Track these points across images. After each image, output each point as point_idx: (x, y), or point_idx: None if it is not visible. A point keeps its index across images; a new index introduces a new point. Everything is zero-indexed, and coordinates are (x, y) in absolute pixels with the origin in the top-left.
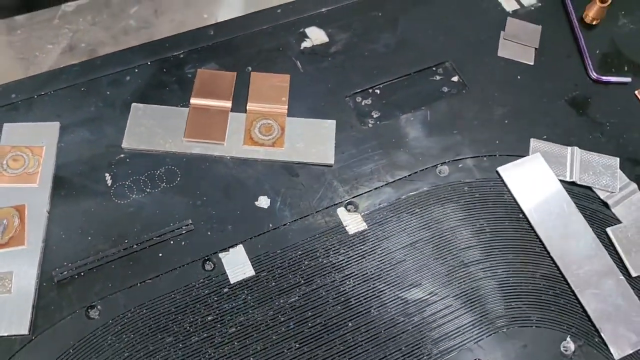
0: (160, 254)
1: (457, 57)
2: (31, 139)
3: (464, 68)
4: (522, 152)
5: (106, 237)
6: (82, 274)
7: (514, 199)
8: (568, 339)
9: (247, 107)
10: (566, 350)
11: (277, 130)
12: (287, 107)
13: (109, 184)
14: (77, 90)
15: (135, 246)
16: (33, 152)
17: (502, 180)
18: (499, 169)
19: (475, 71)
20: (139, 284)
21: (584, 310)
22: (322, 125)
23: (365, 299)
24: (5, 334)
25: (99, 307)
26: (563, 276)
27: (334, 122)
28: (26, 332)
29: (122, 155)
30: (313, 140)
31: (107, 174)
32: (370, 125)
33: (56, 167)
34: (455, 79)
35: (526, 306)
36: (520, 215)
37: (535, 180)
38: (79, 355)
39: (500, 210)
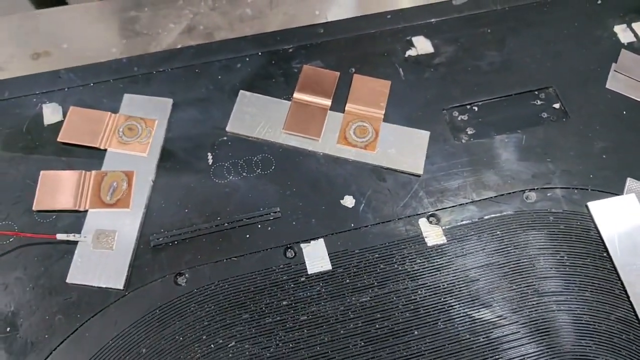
0: (248, 235)
1: (562, 84)
2: (146, 111)
3: (567, 96)
4: (616, 190)
5: (201, 212)
6: (176, 242)
7: (600, 236)
8: None
9: (346, 108)
10: None
11: (371, 134)
12: (384, 112)
13: (210, 163)
14: (191, 71)
15: (226, 224)
16: (146, 124)
17: (591, 216)
18: (590, 203)
19: (580, 101)
20: (225, 260)
21: None
22: (416, 135)
23: (434, 310)
24: (103, 286)
25: (187, 275)
26: (639, 322)
27: (428, 133)
28: (121, 287)
29: (224, 138)
30: (405, 148)
31: (209, 154)
32: (463, 141)
33: (165, 140)
34: (557, 105)
35: (596, 346)
36: (604, 254)
37: (625, 222)
38: (164, 316)
39: (584, 246)
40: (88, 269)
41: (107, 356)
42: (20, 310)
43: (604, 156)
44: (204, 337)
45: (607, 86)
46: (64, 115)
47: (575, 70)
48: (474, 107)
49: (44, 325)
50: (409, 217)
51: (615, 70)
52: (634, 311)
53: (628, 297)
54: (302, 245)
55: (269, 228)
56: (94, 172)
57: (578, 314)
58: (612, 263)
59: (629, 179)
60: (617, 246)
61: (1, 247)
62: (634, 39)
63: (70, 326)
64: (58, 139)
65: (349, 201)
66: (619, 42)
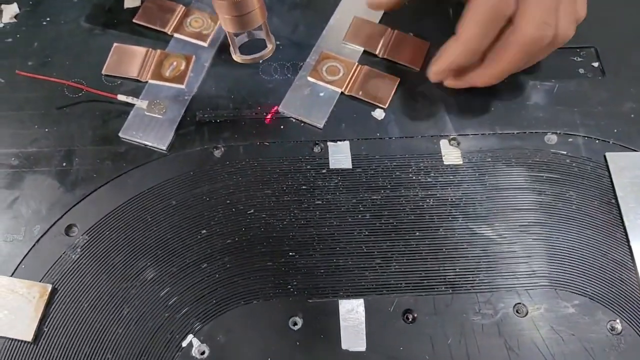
0: (282, 127)
1: (605, 45)
2: (213, 9)
3: (607, 57)
4: (637, 147)
5: (244, 100)
6: (218, 121)
7: (611, 184)
8: (618, 320)
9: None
10: (612, 330)
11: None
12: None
13: (260, 61)
14: None
15: (265, 114)
16: (212, 20)
17: (607, 165)
18: (608, 154)
19: (619, 63)
20: (258, 143)
21: None
22: None
23: (438, 219)
24: (149, 144)
25: (222, 149)
26: (635, 267)
27: None
28: (164, 148)
29: (277, 42)
30: None
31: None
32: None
33: (224, 36)
34: (595, 64)
35: (587, 278)
36: (612, 201)
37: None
38: (197, 179)
39: (594, 190)
40: (139, 128)
41: (143, 200)
42: (76, 151)
43: (632, 116)
44: (228, 201)
45: None
46: (142, 2)
47: (620, 34)
48: None
49: (94, 167)
50: (432, 136)
51: None
52: (632, 255)
53: (628, 241)
54: (329, 143)
55: (302, 125)
56: (159, 50)
57: (576, 248)
58: (619, 210)
59: None
60: (627, 195)
61: (72, 99)
62: None
63: (115, 172)
64: (133, 20)
65: (378, 114)
66: None
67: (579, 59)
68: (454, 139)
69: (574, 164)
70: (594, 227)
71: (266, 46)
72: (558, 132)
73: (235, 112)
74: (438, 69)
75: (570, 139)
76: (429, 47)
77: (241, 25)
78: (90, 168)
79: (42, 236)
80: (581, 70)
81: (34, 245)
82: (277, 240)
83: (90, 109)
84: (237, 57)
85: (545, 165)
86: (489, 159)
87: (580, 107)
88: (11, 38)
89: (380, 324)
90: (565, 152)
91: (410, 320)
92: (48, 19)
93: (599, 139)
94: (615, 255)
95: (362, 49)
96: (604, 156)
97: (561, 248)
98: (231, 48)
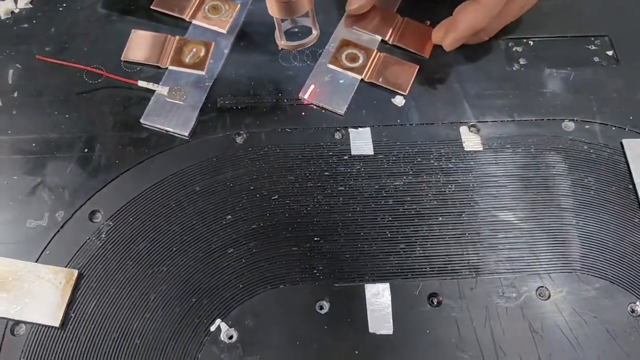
0: (303, 113)
1: (620, 34)
2: None
3: (622, 46)
4: None
5: (264, 87)
6: (239, 107)
7: (628, 170)
8: (638, 303)
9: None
10: (633, 312)
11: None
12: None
13: (280, 48)
14: None
15: (285, 100)
16: (229, 6)
17: (624, 152)
18: (624, 140)
19: (634, 52)
20: (280, 130)
21: None
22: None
23: (460, 204)
24: (171, 130)
25: (244, 135)
26: None
27: None
28: (186, 135)
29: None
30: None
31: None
32: (514, 68)
33: (243, 23)
34: (610, 53)
35: (607, 262)
36: (630, 187)
37: None
38: (220, 165)
39: (611, 176)
40: (160, 114)
41: (166, 186)
42: (98, 137)
43: None
44: (252, 187)
45: None
46: None
47: (635, 23)
48: (529, 42)
49: (116, 153)
50: (451, 123)
51: None
52: None
53: None
54: (350, 129)
55: (323, 111)
56: (177, 37)
57: (595, 232)
58: (637, 195)
59: None
60: None
61: (91, 85)
62: None
63: (138, 158)
64: (151, 6)
65: (399, 100)
66: None
67: (594, 48)
68: (473, 125)
69: (591, 151)
70: (612, 212)
71: (311, 33)
72: (575, 119)
73: (255, 98)
74: (459, 36)
75: (587, 126)
76: None
77: (290, 11)
78: (112, 154)
79: (65, 222)
80: (596, 59)
81: (58, 231)
82: (302, 225)
83: (110, 94)
84: (282, 43)
85: (563, 151)
86: (508, 146)
87: (596, 95)
88: (27, 24)
89: (407, 308)
90: (582, 139)
91: (435, 303)
92: (64, 4)
93: (615, 126)
94: (634, 239)
95: (380, 37)
96: (621, 143)
97: (581, 233)
98: (276, 34)
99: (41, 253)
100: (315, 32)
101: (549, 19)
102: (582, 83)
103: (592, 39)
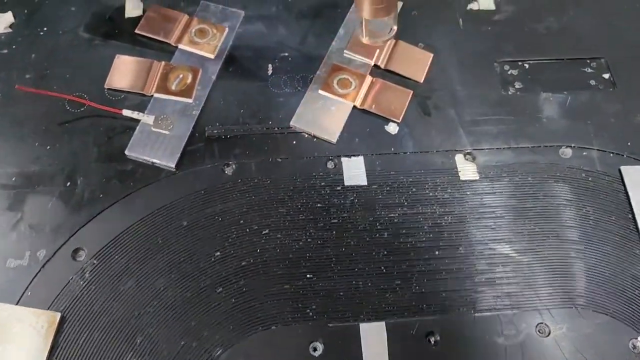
0: (294, 142)
1: (615, 57)
2: (218, 19)
3: (618, 69)
4: None
5: (254, 114)
6: (228, 136)
7: (627, 199)
8: (639, 338)
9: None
10: (634, 348)
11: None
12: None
13: (269, 74)
14: None
15: (276, 129)
16: (217, 30)
17: (622, 179)
18: (623, 167)
19: (630, 75)
20: (270, 160)
21: None
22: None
23: (457, 236)
24: (157, 162)
25: (234, 166)
26: None
27: None
28: (173, 166)
29: (286, 54)
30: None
31: (270, 65)
32: (510, 92)
33: (231, 47)
34: (606, 76)
35: (608, 296)
36: (629, 216)
37: None
38: (208, 198)
39: (610, 205)
40: (146, 145)
41: (152, 221)
42: (81, 169)
43: None
44: (242, 221)
45: None
46: (144, 11)
47: (631, 46)
48: (525, 65)
49: (100, 187)
50: (446, 151)
51: None
52: None
53: None
54: (343, 158)
55: (315, 140)
56: (163, 62)
57: (595, 264)
58: (636, 225)
59: None
60: None
61: (73, 114)
62: None
63: (123, 191)
64: (135, 31)
65: (392, 128)
66: None
67: (590, 70)
68: (469, 153)
69: (589, 179)
70: (612, 243)
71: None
72: (572, 145)
73: (245, 127)
74: None
75: (584, 153)
76: (431, 58)
77: (381, 12)
78: (96, 187)
79: (47, 261)
80: (592, 82)
81: (40, 270)
82: (294, 261)
83: (94, 124)
84: (366, 39)
85: (561, 180)
86: (505, 174)
87: (592, 120)
88: (6, 49)
89: (403, 348)
90: (580, 166)
91: (433, 343)
92: (45, 28)
93: (613, 152)
94: (634, 271)
95: (372, 61)
96: (619, 170)
97: (580, 265)
98: (363, 31)
99: (22, 294)
100: (395, 28)
101: (544, 42)
102: (579, 107)
103: (588, 61)
